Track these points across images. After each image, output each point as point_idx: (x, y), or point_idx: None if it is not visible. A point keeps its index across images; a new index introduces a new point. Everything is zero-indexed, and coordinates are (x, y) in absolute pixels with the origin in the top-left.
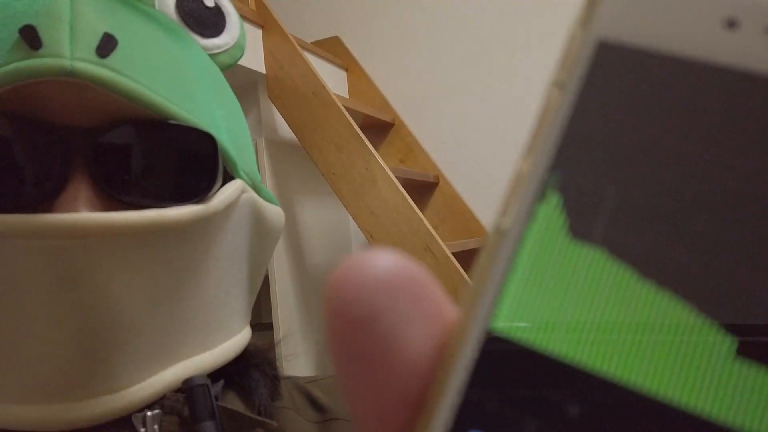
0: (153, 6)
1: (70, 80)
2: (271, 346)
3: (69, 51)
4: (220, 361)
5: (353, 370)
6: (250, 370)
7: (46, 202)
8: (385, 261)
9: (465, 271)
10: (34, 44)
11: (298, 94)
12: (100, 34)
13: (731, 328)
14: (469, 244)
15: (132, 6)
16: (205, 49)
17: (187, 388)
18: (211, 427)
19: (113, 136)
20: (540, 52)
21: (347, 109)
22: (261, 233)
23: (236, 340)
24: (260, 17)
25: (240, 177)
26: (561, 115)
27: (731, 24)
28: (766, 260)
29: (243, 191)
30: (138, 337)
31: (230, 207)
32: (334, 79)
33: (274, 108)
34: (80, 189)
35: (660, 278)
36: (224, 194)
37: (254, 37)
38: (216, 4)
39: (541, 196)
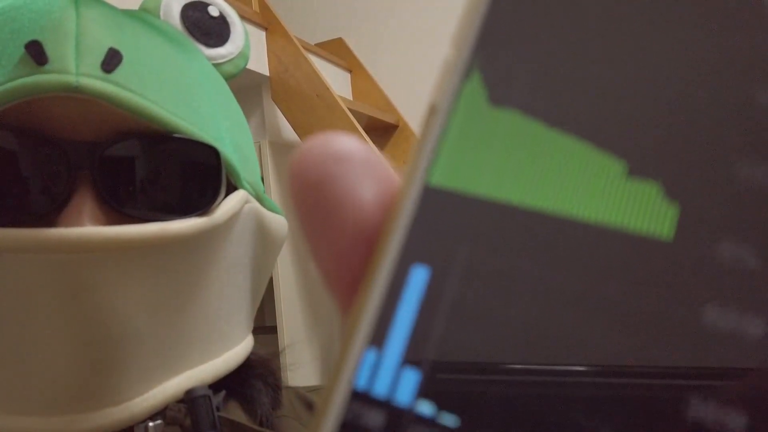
0: (158, 17)
1: (76, 96)
2: (273, 355)
3: (74, 67)
4: (223, 371)
5: (312, 223)
6: (252, 380)
7: (51, 216)
8: (341, 139)
9: None
10: (40, 60)
11: (302, 96)
12: (106, 49)
13: (622, 155)
14: None
15: (137, 19)
16: (209, 58)
17: (189, 398)
18: None
19: (117, 150)
20: None
21: (351, 110)
22: (264, 243)
23: (238, 350)
24: (264, 19)
25: (243, 187)
26: (480, 12)
27: None
28: (643, 105)
29: (246, 202)
30: (142, 349)
31: (233, 218)
32: (337, 81)
33: (278, 110)
34: (85, 202)
35: (563, 126)
36: (227, 206)
37: (258, 39)
38: (221, 14)
39: (465, 76)
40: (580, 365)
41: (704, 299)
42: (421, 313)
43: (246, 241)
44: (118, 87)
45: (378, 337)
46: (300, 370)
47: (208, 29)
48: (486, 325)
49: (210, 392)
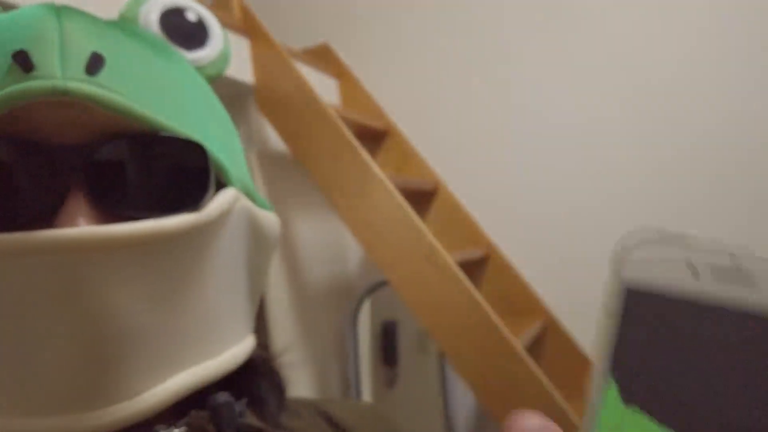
0: (137, 25)
1: (63, 99)
2: (275, 355)
3: (60, 71)
4: (226, 367)
5: None
6: (257, 379)
7: (46, 220)
8: (532, 419)
9: (468, 281)
10: (27, 67)
11: (288, 104)
12: (89, 54)
13: None
14: (473, 253)
15: (118, 27)
16: (191, 62)
17: (212, 406)
18: None
19: (106, 152)
20: (536, 57)
21: (340, 117)
22: (258, 240)
23: (241, 347)
24: (247, 27)
25: (233, 185)
26: (610, 335)
27: (694, 274)
28: (735, 418)
29: (237, 199)
30: (143, 345)
31: (224, 215)
32: (325, 88)
33: (265, 119)
34: (78, 205)
35: (669, 424)
36: (217, 202)
37: (241, 47)
38: (199, 18)
39: (606, 384)
40: None
41: None
42: None
43: (239, 237)
44: (102, 88)
45: None
46: (292, 375)
47: (187, 34)
48: None
49: (232, 399)
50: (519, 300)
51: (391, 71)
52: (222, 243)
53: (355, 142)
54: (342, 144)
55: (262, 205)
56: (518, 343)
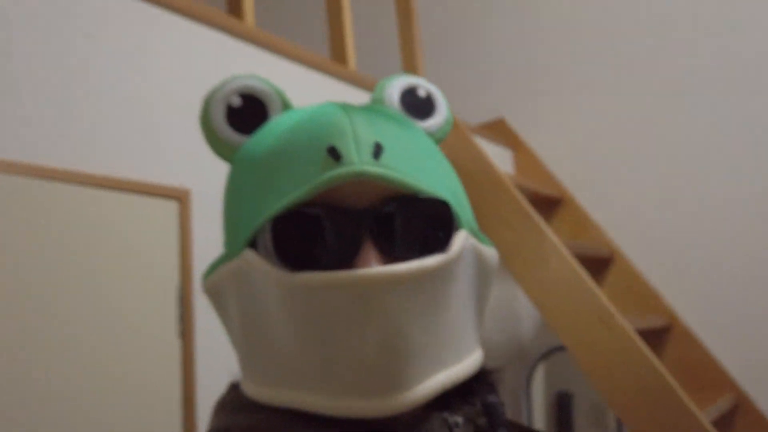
0: (384, 104)
1: (360, 179)
2: (496, 369)
3: (357, 158)
4: (467, 372)
5: None
6: (484, 387)
7: (348, 262)
8: None
9: (648, 348)
10: (337, 158)
11: (467, 175)
12: (372, 143)
13: None
14: (654, 322)
15: (378, 113)
16: (424, 129)
17: (485, 403)
18: None
19: (386, 211)
20: (704, 121)
21: (516, 186)
22: (482, 271)
23: (475, 357)
24: None
25: (463, 227)
26: None
27: None
28: None
29: (467, 238)
30: (419, 351)
31: (462, 252)
32: (500, 159)
33: None
34: (370, 251)
35: None
36: (458, 243)
37: None
38: (428, 93)
39: None
40: None
41: None
42: None
43: (471, 269)
44: (386, 169)
45: None
46: None
47: (420, 107)
48: None
49: (499, 400)
50: (704, 373)
51: (565, 140)
52: (460, 274)
53: (531, 210)
54: (518, 211)
55: (483, 242)
56: (704, 417)
